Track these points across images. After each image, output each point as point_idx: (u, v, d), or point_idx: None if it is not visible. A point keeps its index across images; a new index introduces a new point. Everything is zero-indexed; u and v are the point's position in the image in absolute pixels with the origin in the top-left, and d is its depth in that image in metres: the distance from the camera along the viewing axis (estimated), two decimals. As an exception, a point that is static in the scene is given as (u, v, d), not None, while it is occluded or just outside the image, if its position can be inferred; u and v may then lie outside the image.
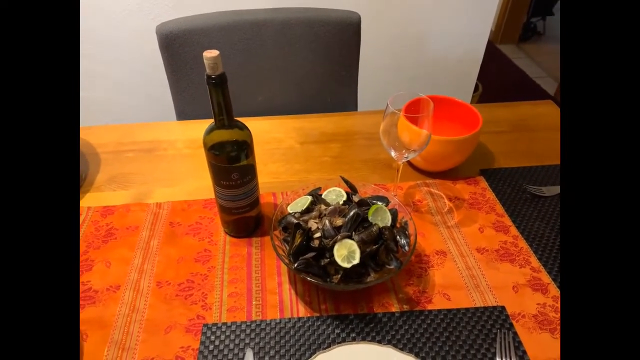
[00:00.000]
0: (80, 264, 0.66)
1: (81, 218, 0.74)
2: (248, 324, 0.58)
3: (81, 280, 0.64)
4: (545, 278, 0.64)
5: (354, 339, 0.56)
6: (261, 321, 0.58)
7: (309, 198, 0.65)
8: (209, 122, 0.61)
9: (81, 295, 0.62)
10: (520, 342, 0.56)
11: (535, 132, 0.95)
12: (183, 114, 1.10)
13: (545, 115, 1.00)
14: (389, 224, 0.61)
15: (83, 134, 0.94)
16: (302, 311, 0.60)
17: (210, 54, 0.52)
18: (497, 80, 2.81)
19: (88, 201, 0.78)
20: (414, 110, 0.70)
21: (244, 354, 0.55)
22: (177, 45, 0.99)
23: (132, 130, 0.96)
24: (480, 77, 1.90)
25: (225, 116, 0.58)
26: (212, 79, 0.54)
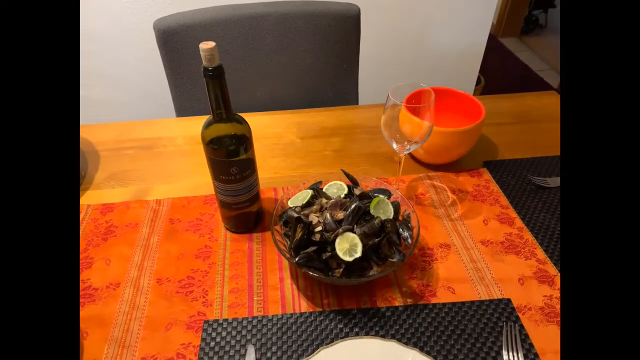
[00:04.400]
0: (80, 262, 0.66)
1: (80, 216, 0.74)
2: (249, 320, 0.57)
3: (81, 278, 0.63)
4: (552, 270, 0.63)
5: (357, 334, 0.55)
6: (263, 317, 0.58)
7: (310, 192, 0.64)
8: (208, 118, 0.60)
9: (81, 293, 0.61)
10: (526, 335, 0.55)
11: (539, 123, 0.94)
12: (182, 110, 1.09)
13: (549, 107, 0.99)
14: (391, 217, 0.60)
15: (82, 132, 0.93)
16: (304, 306, 0.59)
17: (206, 45, 0.51)
18: (500, 73, 2.79)
19: (87, 199, 0.77)
20: (415, 102, 0.68)
21: (246, 350, 0.54)
22: (175, 41, 0.98)
23: (132, 128, 0.95)
24: (483, 70, 1.89)
25: (223, 110, 0.57)
26: (209, 71, 0.53)
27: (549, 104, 0.99)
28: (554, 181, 0.77)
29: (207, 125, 0.59)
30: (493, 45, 3.03)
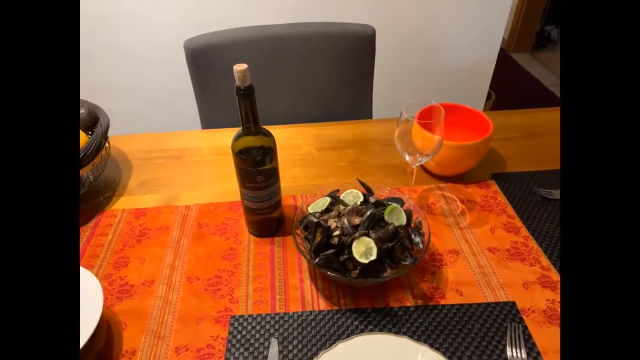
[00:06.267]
0: (117, 261, 0.72)
1: (116, 219, 0.80)
2: (272, 315, 0.62)
3: (118, 275, 0.70)
4: (555, 276, 0.67)
5: (371, 331, 0.60)
6: (284, 313, 0.63)
7: (328, 199, 0.70)
8: (232, 131, 0.66)
9: (119, 289, 0.67)
10: (529, 335, 0.59)
11: (546, 137, 0.98)
12: (207, 123, 1.16)
13: (557, 121, 1.03)
14: (404, 223, 0.65)
15: (116, 142, 1.01)
16: (322, 305, 0.64)
17: (239, 67, 0.58)
18: (511, 88, 2.82)
19: (122, 204, 0.84)
20: (426, 117, 0.74)
21: (269, 343, 0.59)
22: (203, 59, 1.06)
23: (161, 139, 1.02)
24: (494, 85, 1.93)
25: (252, 124, 0.63)
26: (241, 90, 0.59)
27: (557, 119, 1.03)
28: (559, 193, 0.81)
29: (237, 138, 0.65)
30: (505, 61, 3.07)
